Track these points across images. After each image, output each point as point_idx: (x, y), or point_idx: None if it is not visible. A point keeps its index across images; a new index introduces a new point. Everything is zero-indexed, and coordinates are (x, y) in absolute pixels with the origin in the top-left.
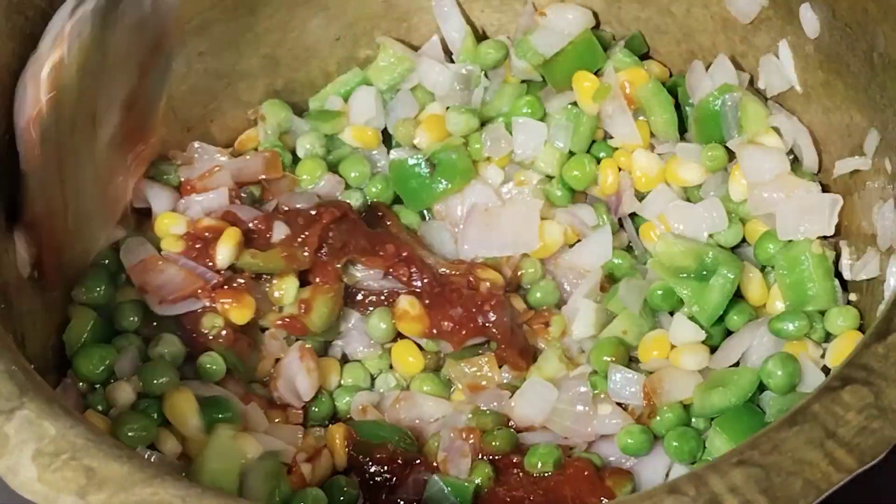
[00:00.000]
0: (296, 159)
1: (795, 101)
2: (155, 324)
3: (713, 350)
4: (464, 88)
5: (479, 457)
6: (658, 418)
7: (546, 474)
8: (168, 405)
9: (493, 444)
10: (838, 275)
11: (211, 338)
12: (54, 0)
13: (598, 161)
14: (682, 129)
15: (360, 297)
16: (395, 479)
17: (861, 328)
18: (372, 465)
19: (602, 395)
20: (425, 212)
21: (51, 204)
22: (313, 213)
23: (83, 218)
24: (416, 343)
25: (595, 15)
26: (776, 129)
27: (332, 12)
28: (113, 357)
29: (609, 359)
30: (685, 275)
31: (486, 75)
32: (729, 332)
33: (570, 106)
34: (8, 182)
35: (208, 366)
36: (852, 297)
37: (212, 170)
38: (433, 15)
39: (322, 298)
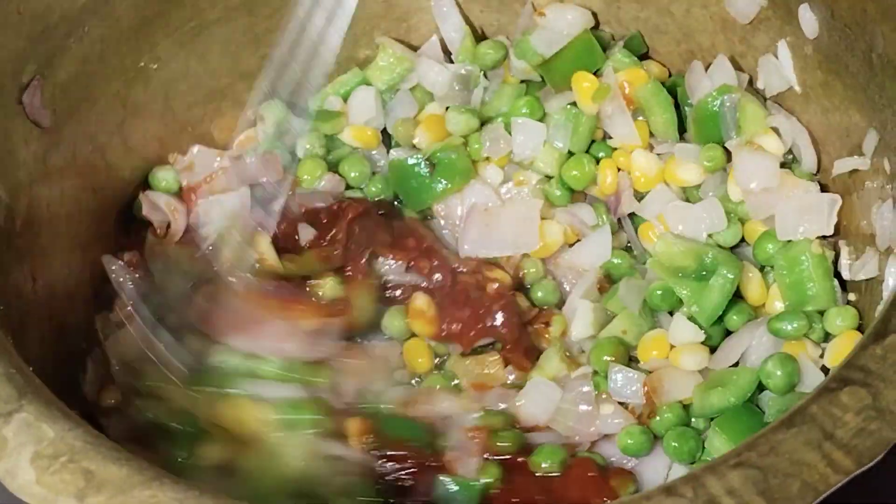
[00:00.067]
0: (295, 159)
1: (794, 101)
2: None
3: (713, 350)
4: (463, 88)
5: (488, 457)
6: (658, 418)
7: (551, 475)
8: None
9: (502, 443)
10: (837, 275)
11: None
12: None
13: (598, 161)
14: (682, 130)
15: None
16: (413, 480)
17: (860, 328)
18: (388, 463)
19: (604, 395)
20: (425, 211)
21: None
22: (335, 209)
23: None
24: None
25: (594, 15)
26: (775, 130)
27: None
28: None
29: (609, 358)
30: (684, 275)
31: (485, 75)
32: (728, 332)
33: (569, 106)
34: None
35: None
36: (851, 296)
37: (216, 172)
38: (432, 15)
39: (360, 292)
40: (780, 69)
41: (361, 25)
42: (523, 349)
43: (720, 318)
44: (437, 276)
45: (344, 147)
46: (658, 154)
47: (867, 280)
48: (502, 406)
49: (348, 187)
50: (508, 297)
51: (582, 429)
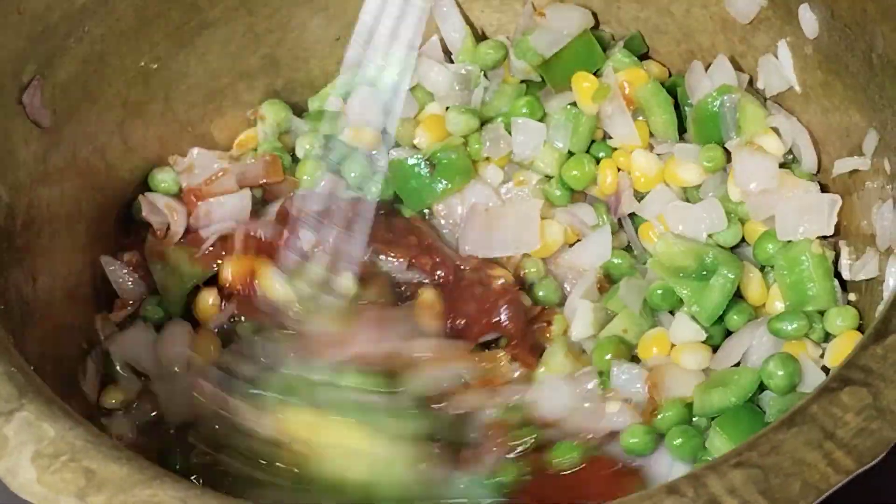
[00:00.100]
0: (295, 160)
1: (794, 101)
2: None
3: (714, 350)
4: (463, 88)
5: (505, 454)
6: (661, 416)
7: (567, 472)
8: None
9: (519, 440)
10: (837, 275)
11: None
12: None
13: (598, 161)
14: (682, 130)
15: None
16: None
17: (860, 328)
18: None
19: (609, 394)
20: (425, 211)
21: None
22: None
23: None
24: None
25: (594, 15)
26: (775, 130)
27: (331, 12)
28: None
29: (610, 356)
30: (685, 275)
31: (485, 75)
32: (729, 332)
33: (569, 106)
34: None
35: None
36: (851, 297)
37: (217, 174)
38: (433, 15)
39: (373, 291)
40: (780, 69)
41: None
42: (528, 346)
43: (721, 318)
44: (440, 272)
45: (344, 147)
46: (658, 154)
47: (867, 280)
48: (516, 398)
49: (348, 187)
50: (514, 293)
51: (589, 426)
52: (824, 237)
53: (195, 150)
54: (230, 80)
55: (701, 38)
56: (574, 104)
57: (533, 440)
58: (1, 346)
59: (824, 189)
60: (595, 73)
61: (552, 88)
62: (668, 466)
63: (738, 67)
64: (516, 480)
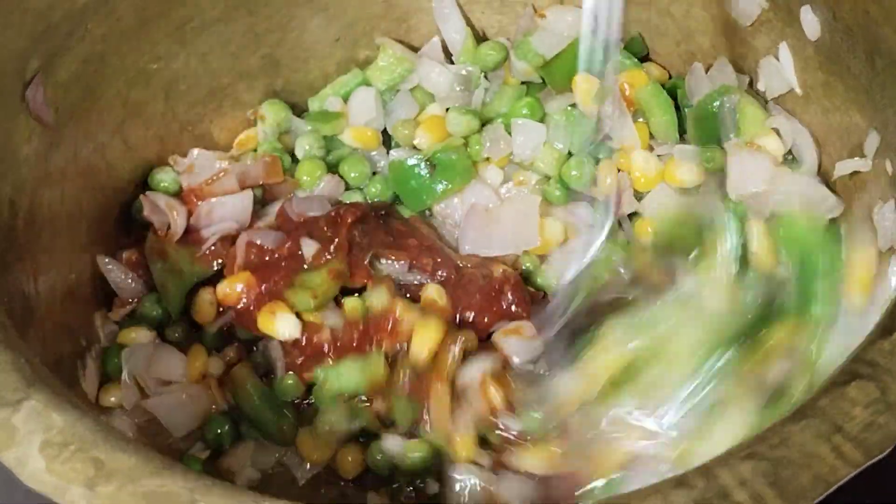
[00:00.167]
0: (294, 160)
1: (795, 102)
2: None
3: None
4: (464, 90)
5: None
6: None
7: None
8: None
9: None
10: None
11: None
12: None
13: (597, 161)
14: (682, 131)
15: None
16: None
17: None
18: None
19: None
20: (425, 212)
21: None
22: (334, 216)
23: None
24: None
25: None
26: (776, 131)
27: (331, 13)
28: None
29: None
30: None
31: (485, 77)
32: None
33: (569, 107)
34: None
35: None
36: None
37: (217, 175)
38: (433, 16)
39: (377, 296)
40: (780, 71)
41: (361, 26)
42: None
43: None
44: (441, 272)
45: (344, 147)
46: (658, 155)
47: None
48: None
49: (348, 188)
50: (516, 277)
51: None
52: None
53: (195, 151)
54: (230, 80)
55: (701, 40)
56: (574, 105)
57: None
58: (8, 338)
59: None
60: None
61: (552, 89)
62: None
63: (738, 69)
64: None
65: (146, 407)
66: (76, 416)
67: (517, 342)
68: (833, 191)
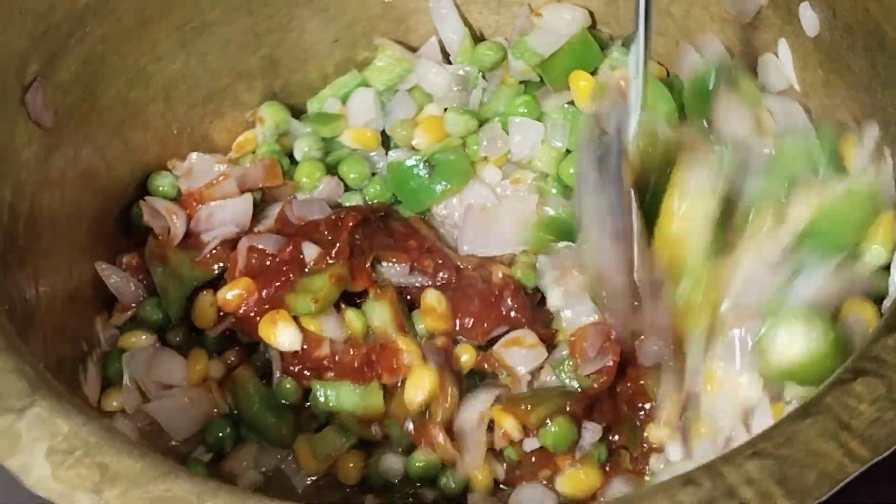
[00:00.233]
0: (293, 161)
1: (795, 99)
2: None
3: None
4: (462, 90)
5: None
6: None
7: None
8: None
9: None
10: None
11: None
12: None
13: None
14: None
15: None
16: None
17: None
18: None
19: None
20: (424, 213)
21: None
22: (334, 220)
23: None
24: None
25: (593, 15)
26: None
27: (330, 14)
28: None
29: None
30: None
31: (483, 77)
32: None
33: (566, 105)
34: None
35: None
36: None
37: (217, 178)
38: (431, 16)
39: (381, 303)
40: (780, 68)
41: (360, 27)
42: (542, 325)
43: None
44: (442, 273)
45: (343, 149)
46: None
47: None
48: None
49: (347, 189)
50: (515, 282)
51: None
52: None
53: (194, 155)
54: (230, 81)
55: (700, 39)
56: (572, 103)
57: None
58: (11, 343)
59: None
60: (593, 73)
61: (550, 88)
62: None
63: None
64: None
65: (147, 411)
66: (81, 421)
67: (519, 352)
68: None
